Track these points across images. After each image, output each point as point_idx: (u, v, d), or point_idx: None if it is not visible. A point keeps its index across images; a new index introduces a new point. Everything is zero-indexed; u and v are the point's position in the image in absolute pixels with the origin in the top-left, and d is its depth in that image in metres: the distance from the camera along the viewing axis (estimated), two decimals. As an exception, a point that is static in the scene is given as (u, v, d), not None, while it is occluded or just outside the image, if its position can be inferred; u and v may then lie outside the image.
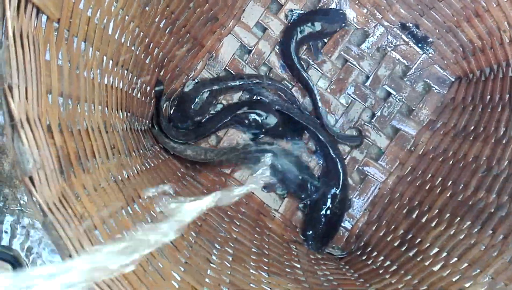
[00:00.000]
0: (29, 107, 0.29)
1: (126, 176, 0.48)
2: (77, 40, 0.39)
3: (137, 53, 0.55)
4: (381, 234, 0.69)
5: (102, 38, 0.44)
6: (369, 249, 0.68)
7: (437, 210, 0.64)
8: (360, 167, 0.75)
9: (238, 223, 0.66)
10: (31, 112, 0.29)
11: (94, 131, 0.42)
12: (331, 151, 0.71)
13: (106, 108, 0.47)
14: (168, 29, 0.61)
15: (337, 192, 0.70)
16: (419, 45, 0.76)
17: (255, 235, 0.66)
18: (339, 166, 0.71)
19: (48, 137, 0.31)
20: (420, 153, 0.75)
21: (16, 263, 0.72)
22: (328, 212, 0.71)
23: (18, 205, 0.76)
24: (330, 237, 0.72)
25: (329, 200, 0.71)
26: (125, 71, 0.53)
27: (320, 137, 0.72)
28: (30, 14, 0.29)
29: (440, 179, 0.68)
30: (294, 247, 0.69)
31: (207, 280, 0.46)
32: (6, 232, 0.75)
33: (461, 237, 0.57)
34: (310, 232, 0.72)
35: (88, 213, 0.33)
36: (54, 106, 0.34)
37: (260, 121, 0.70)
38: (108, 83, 0.48)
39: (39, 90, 0.31)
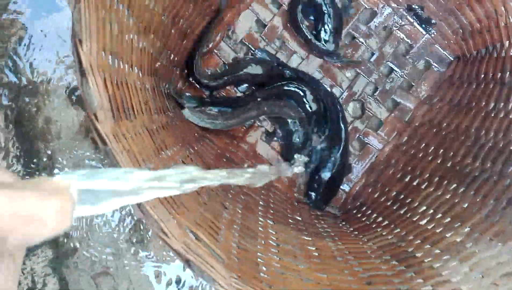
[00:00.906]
0: (92, 59, 0.36)
1: (156, 129, 0.55)
2: (122, 7, 0.46)
3: (166, 22, 0.62)
4: (376, 195, 0.77)
5: (140, 6, 0.51)
6: (364, 208, 0.76)
7: (428, 175, 0.72)
8: (360, 136, 0.83)
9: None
10: (94, 63, 0.36)
11: (132, 87, 0.50)
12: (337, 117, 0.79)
13: (140, 70, 0.54)
14: (193, 1, 0.67)
15: (338, 156, 0.78)
16: (423, 26, 0.82)
17: (262, 191, 0.74)
18: (343, 133, 0.78)
19: (104, 85, 0.38)
20: (416, 125, 0.81)
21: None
22: (329, 175, 0.79)
23: (50, 160, 0.84)
24: (330, 198, 0.80)
25: (331, 164, 0.78)
26: (155, 38, 0.60)
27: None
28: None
29: (432, 148, 0.75)
30: (296, 204, 0.77)
31: (223, 219, 0.54)
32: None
33: (447, 197, 0.64)
34: (313, 193, 0.80)
35: (133, 149, 0.41)
36: (106, 61, 0.41)
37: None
38: (142, 48, 0.55)
39: (98, 47, 0.38)
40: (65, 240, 0.82)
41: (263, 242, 0.55)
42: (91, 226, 0.82)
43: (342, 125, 0.79)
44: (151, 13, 0.56)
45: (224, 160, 0.76)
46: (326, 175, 0.79)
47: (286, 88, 0.79)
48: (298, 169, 0.67)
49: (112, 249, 0.83)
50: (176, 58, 0.73)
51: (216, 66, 0.80)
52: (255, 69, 0.78)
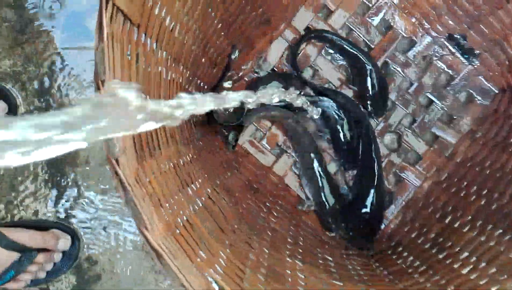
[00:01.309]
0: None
1: (182, 163, 0.53)
2: (150, 41, 0.44)
3: (196, 52, 0.61)
4: (413, 235, 0.72)
5: (170, 40, 0.49)
6: (400, 249, 0.71)
7: (470, 217, 0.66)
8: (396, 171, 0.78)
9: (276, 214, 0.71)
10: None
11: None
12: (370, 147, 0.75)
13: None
14: (225, 30, 0.66)
15: (374, 189, 0.73)
16: (465, 56, 0.78)
17: (291, 227, 0.71)
18: (375, 164, 0.74)
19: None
20: (458, 161, 0.76)
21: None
22: (368, 210, 0.74)
23: (74, 183, 0.84)
24: (374, 234, 0.75)
25: (368, 198, 0.74)
26: (185, 69, 0.59)
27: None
28: (120, 21, 0.35)
29: (475, 187, 0.70)
30: (325, 239, 0.73)
31: (249, 262, 0.51)
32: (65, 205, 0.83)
33: (492, 243, 0.59)
34: (351, 232, 0.75)
35: (155, 192, 0.39)
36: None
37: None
38: (171, 79, 0.53)
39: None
40: (89, 267, 0.81)
41: (291, 288, 0.52)
42: (114, 254, 0.81)
43: (374, 157, 0.75)
44: (181, 44, 0.54)
45: (252, 191, 0.73)
46: (364, 210, 0.75)
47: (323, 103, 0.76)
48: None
49: (135, 277, 0.81)
50: (206, 86, 0.72)
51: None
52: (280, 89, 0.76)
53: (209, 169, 0.65)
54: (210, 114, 0.74)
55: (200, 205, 0.52)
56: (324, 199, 0.74)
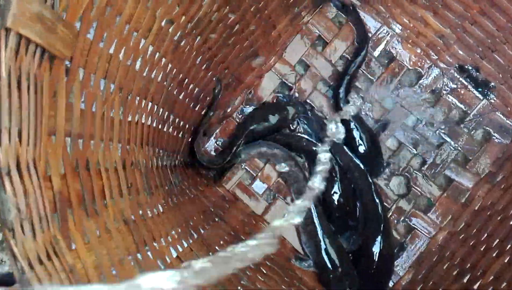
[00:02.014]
0: (22, 151, 0.27)
1: (142, 217, 0.46)
2: (95, 78, 0.38)
3: (169, 89, 0.54)
4: (426, 298, 0.62)
5: (127, 75, 0.43)
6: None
7: (493, 276, 0.56)
8: (406, 219, 0.68)
9: (265, 272, 0.61)
10: (23, 156, 0.27)
11: (108, 170, 0.40)
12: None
13: (127, 146, 0.46)
14: (205, 65, 0.59)
15: (380, 237, 0.64)
16: (479, 89, 0.69)
17: (283, 286, 0.61)
18: (379, 209, 0.65)
19: (43, 181, 0.29)
20: (476, 208, 0.66)
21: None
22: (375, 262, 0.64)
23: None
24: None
25: (373, 250, 0.64)
26: (155, 106, 0.52)
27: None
28: (32, 53, 0.28)
29: (497, 240, 0.59)
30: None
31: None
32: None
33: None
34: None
35: (82, 263, 0.31)
36: (58, 147, 0.32)
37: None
38: (133, 120, 0.46)
39: (38, 132, 0.29)
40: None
41: None
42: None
43: (376, 199, 0.65)
44: (147, 80, 0.47)
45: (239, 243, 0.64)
46: (370, 264, 0.64)
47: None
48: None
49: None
50: (187, 125, 0.65)
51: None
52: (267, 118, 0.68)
53: (185, 220, 0.57)
54: (193, 154, 0.67)
55: (162, 268, 0.44)
56: (326, 260, 0.64)
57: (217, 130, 0.70)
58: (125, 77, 0.43)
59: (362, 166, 0.65)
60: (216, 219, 0.64)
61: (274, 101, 0.70)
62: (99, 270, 0.33)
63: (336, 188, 0.66)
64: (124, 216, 0.42)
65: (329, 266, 0.64)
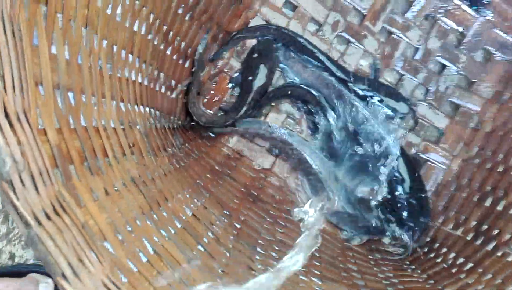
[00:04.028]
0: (9, 99, 0.24)
1: (150, 178, 0.43)
2: (75, 26, 0.34)
3: (155, 43, 0.50)
4: (450, 227, 0.60)
5: (108, 24, 0.39)
6: (437, 245, 0.59)
7: (516, 194, 0.54)
8: (418, 153, 0.66)
9: (283, 224, 0.59)
10: (10, 104, 0.24)
11: (106, 128, 0.37)
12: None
13: (121, 103, 0.42)
14: (188, 15, 0.55)
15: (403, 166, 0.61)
16: (474, 7, 0.66)
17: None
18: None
19: (37, 134, 0.26)
20: (487, 130, 0.64)
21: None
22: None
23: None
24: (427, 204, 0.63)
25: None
26: (143, 64, 0.48)
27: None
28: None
29: (515, 157, 0.58)
30: (348, 245, 0.61)
31: None
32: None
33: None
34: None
35: (95, 220, 0.28)
36: (48, 99, 0.29)
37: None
38: (122, 75, 0.43)
39: (24, 79, 0.26)
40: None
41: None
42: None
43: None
44: (130, 32, 0.44)
45: (251, 200, 0.62)
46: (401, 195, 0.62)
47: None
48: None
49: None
50: (179, 85, 0.61)
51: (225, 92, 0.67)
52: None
53: (194, 180, 0.54)
54: (191, 116, 0.64)
55: (179, 226, 0.41)
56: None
57: (211, 88, 0.67)
58: (106, 27, 0.39)
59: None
60: (225, 178, 0.62)
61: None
62: (114, 227, 0.30)
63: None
64: (131, 176, 0.39)
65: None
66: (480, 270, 0.48)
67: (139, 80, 0.48)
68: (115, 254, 0.28)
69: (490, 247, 0.51)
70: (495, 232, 0.52)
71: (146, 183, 0.41)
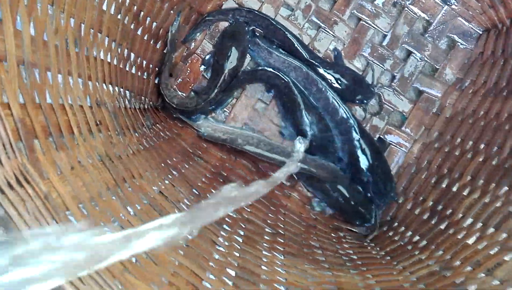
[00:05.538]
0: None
1: (118, 155, 0.44)
2: (41, 3, 0.34)
3: (125, 22, 0.50)
4: (409, 207, 0.63)
5: (76, 4, 0.39)
6: (396, 223, 0.62)
7: (470, 177, 0.58)
8: (381, 136, 0.69)
9: (250, 202, 0.61)
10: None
11: (72, 106, 0.38)
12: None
13: (89, 81, 0.43)
14: (160, -5, 0.56)
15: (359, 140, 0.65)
16: (440, -5, 0.69)
17: (269, 215, 0.61)
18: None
19: (1, 107, 0.27)
20: (447, 116, 0.68)
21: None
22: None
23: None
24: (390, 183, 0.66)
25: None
26: (113, 43, 0.49)
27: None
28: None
29: (471, 142, 0.61)
30: (312, 223, 0.64)
31: (211, 263, 0.42)
32: None
33: (498, 204, 0.50)
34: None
35: (58, 192, 0.29)
36: (11, 73, 0.29)
37: None
38: (90, 54, 0.43)
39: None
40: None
41: (267, 288, 0.43)
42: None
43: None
44: (99, 11, 0.44)
45: (221, 180, 0.64)
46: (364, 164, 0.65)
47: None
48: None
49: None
50: (151, 65, 0.62)
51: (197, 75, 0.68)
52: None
53: (162, 160, 0.55)
54: (163, 97, 0.64)
55: (145, 203, 0.43)
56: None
57: (183, 70, 0.68)
58: (73, 5, 0.39)
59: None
60: (196, 159, 0.63)
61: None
62: (77, 200, 0.31)
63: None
64: (98, 153, 0.40)
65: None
66: (432, 247, 0.52)
67: (108, 59, 0.48)
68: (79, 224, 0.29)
69: (443, 225, 0.54)
70: (449, 212, 0.55)
71: (112, 161, 0.42)
